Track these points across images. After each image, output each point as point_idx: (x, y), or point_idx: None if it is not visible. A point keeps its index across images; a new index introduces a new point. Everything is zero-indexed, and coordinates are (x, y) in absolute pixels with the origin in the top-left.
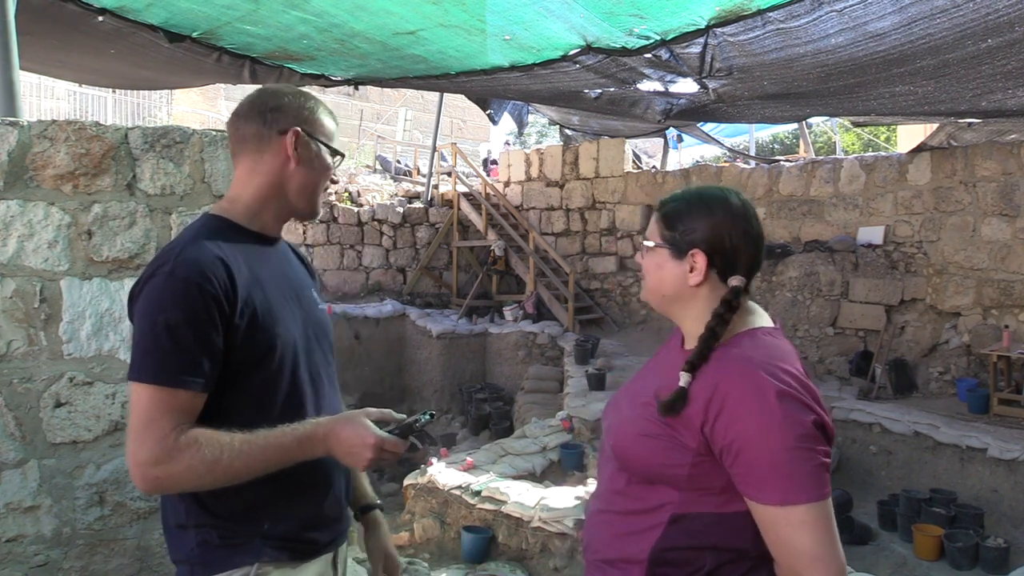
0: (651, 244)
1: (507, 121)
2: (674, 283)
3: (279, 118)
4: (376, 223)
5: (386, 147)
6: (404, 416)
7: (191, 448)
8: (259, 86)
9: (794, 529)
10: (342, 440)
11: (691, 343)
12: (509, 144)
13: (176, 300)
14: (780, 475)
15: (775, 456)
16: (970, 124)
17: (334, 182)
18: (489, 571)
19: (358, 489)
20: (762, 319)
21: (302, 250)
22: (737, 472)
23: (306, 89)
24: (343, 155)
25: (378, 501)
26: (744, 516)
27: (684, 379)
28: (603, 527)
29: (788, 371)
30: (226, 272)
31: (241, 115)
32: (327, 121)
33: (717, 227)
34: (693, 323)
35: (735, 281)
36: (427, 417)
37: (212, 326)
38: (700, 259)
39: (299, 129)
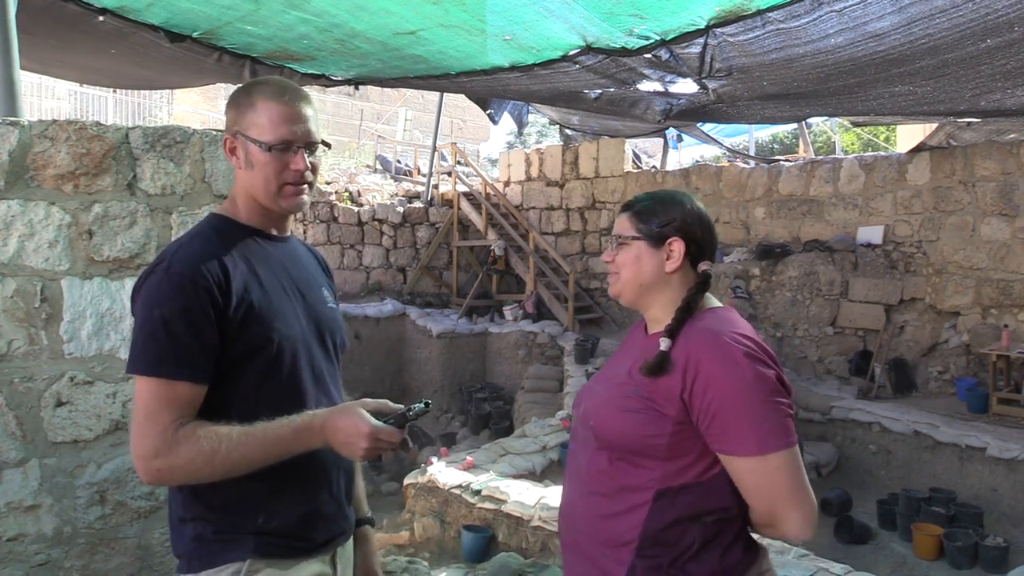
0: (629, 237)
1: (507, 121)
2: (652, 271)
3: (227, 124)
4: (376, 223)
5: (386, 147)
6: (401, 406)
7: (189, 440)
8: None
9: (771, 475)
10: (338, 430)
11: (656, 328)
12: (515, 146)
13: (171, 295)
14: (756, 427)
15: (751, 410)
16: (969, 124)
17: (296, 171)
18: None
19: (354, 500)
20: (716, 303)
21: (318, 250)
22: (714, 431)
23: (303, 86)
24: (280, 146)
25: (370, 515)
26: (721, 476)
27: (664, 344)
28: (587, 510)
29: (748, 336)
30: (220, 267)
31: None
32: (265, 111)
33: (688, 219)
34: (662, 309)
35: (705, 265)
36: (422, 406)
37: (206, 319)
38: (678, 246)
39: (229, 135)
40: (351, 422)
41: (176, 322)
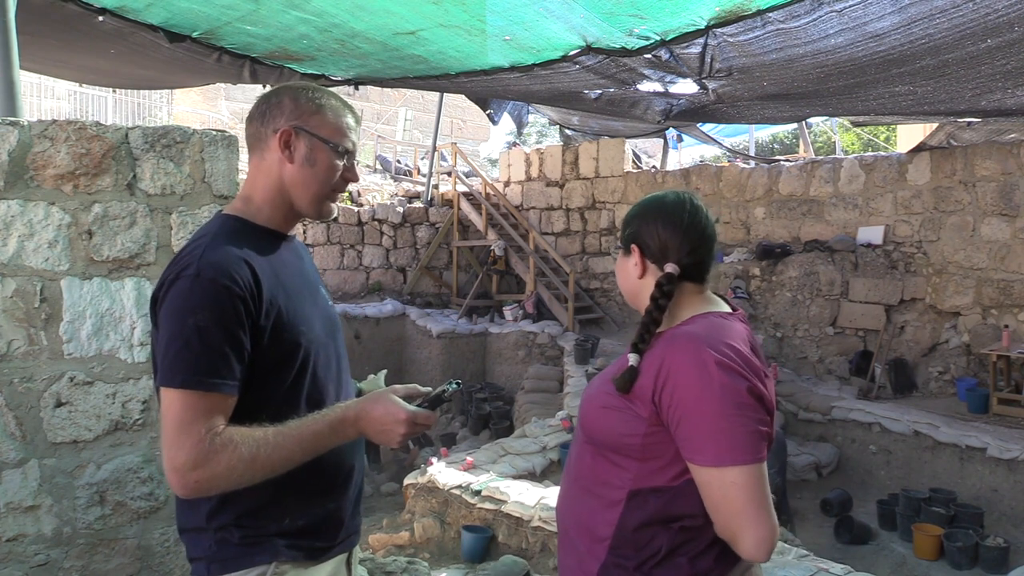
0: (617, 247)
1: (507, 121)
2: (629, 279)
3: (275, 116)
4: (376, 223)
5: (386, 147)
6: (430, 389)
7: (228, 448)
8: (259, 86)
9: (727, 489)
10: (374, 419)
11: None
12: (517, 144)
13: (204, 302)
14: (715, 438)
15: (712, 420)
16: (969, 124)
17: (348, 180)
18: (489, 571)
19: None
20: (720, 307)
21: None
22: (679, 437)
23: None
24: (348, 151)
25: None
26: (692, 484)
27: (632, 359)
28: (573, 502)
29: (731, 346)
30: (251, 273)
31: (249, 114)
32: (333, 116)
33: (646, 222)
34: None
35: (668, 267)
36: (454, 386)
37: (240, 327)
38: (635, 252)
39: (289, 128)
40: (386, 410)
41: (211, 331)
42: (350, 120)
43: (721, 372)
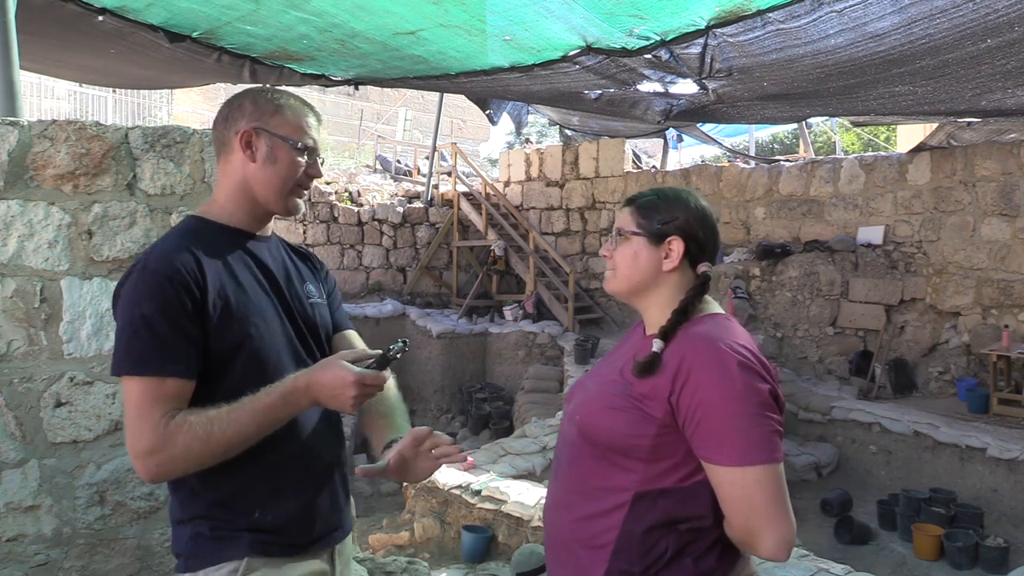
0: (628, 232)
1: (507, 121)
2: (649, 269)
3: (237, 118)
4: (376, 223)
5: (386, 147)
6: (379, 351)
7: (182, 428)
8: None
9: (750, 488)
10: (324, 385)
11: (653, 329)
12: (514, 145)
13: (149, 293)
14: (740, 438)
15: (736, 420)
16: (969, 124)
17: (312, 176)
18: (489, 571)
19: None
20: (718, 309)
21: (304, 247)
22: (698, 437)
23: (304, 89)
24: (308, 148)
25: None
26: (701, 485)
27: (657, 345)
28: (568, 507)
29: (746, 347)
30: (195, 263)
31: (215, 119)
32: (292, 115)
33: (691, 219)
34: (659, 309)
35: (704, 267)
36: (400, 344)
37: (185, 315)
38: (677, 245)
39: (249, 128)
40: (334, 374)
41: (158, 319)
42: (311, 119)
43: (743, 373)
